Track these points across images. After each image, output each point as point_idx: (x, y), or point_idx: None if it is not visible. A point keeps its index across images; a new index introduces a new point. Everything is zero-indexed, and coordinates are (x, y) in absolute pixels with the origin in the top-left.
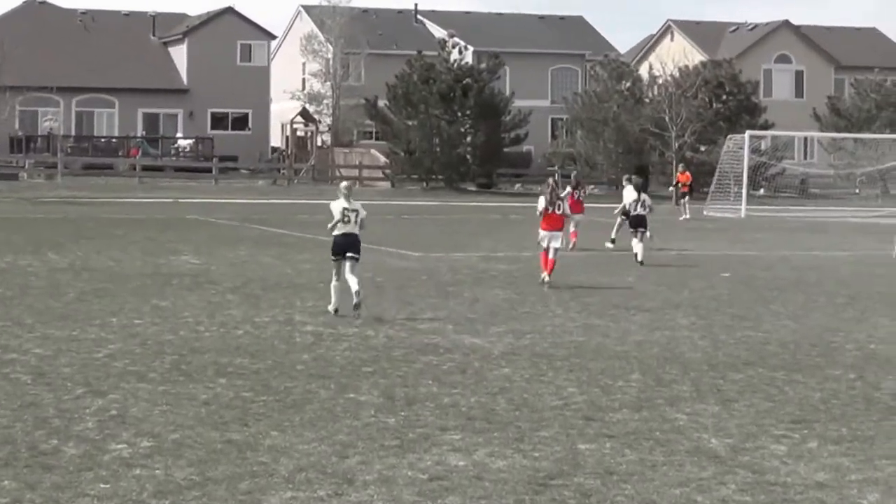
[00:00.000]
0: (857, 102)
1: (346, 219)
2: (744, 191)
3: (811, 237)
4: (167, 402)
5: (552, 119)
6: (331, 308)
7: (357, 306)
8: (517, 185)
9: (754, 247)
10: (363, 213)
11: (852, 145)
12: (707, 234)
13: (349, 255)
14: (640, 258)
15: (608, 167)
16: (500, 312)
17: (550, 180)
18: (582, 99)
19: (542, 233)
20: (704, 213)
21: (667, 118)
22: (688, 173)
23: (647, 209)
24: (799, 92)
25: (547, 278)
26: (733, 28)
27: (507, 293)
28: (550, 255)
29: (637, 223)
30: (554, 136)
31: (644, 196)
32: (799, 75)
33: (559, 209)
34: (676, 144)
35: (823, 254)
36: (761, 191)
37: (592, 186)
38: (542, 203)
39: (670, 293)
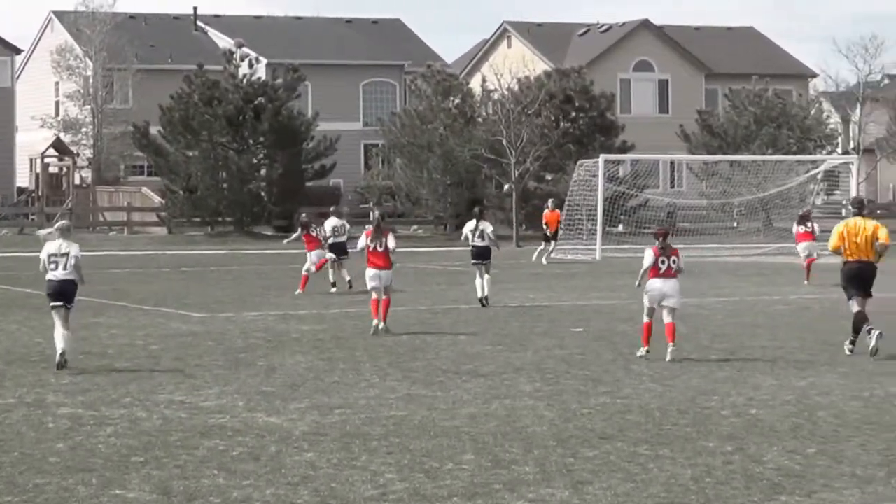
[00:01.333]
0: (733, 117)
1: (52, 265)
2: (599, 227)
3: (681, 281)
4: None
5: (365, 145)
6: (56, 358)
7: (60, 366)
8: (320, 230)
9: (612, 295)
10: (75, 255)
11: (728, 169)
12: (555, 281)
13: (60, 304)
14: (485, 293)
15: (434, 202)
16: (303, 384)
17: (375, 214)
18: (401, 120)
19: (368, 272)
20: (552, 255)
21: (504, 141)
22: (558, 211)
23: (490, 240)
24: (663, 106)
25: (381, 325)
26: (582, 30)
27: (311, 359)
28: (382, 296)
29: (478, 256)
30: (368, 166)
31: (484, 224)
32: (663, 86)
33: (381, 246)
34: (517, 173)
35: (695, 301)
36: (620, 227)
37: (416, 227)
38: (362, 241)
39: (510, 354)
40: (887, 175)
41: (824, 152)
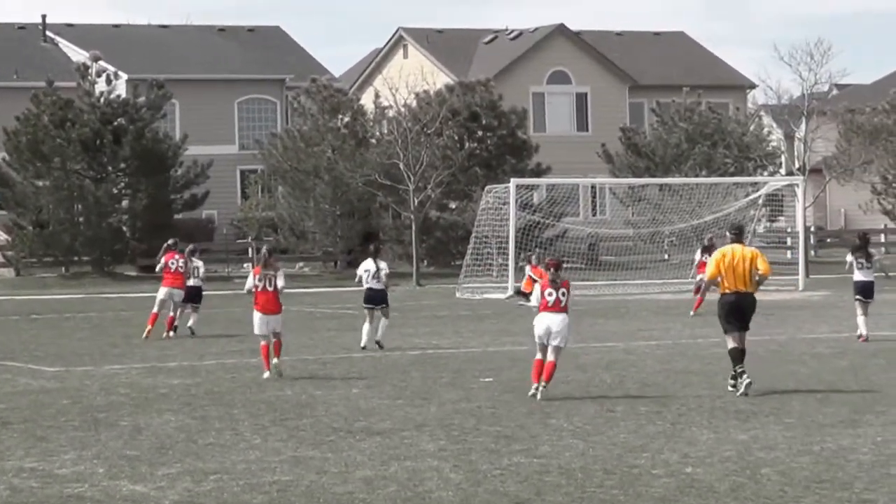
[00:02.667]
0: (662, 135)
1: None
2: (511, 262)
3: (605, 323)
4: None
5: (242, 171)
6: None
7: None
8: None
9: (527, 340)
10: None
11: (657, 194)
12: (462, 324)
13: None
14: (378, 335)
15: (322, 236)
16: (173, 446)
17: (264, 249)
18: (283, 142)
19: (256, 316)
20: (457, 294)
21: (402, 165)
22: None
23: (383, 281)
24: (582, 122)
25: (266, 375)
26: (489, 37)
27: (181, 418)
28: (273, 339)
29: (373, 300)
30: (245, 195)
31: (381, 264)
32: (581, 99)
33: (270, 285)
34: (416, 201)
35: (622, 345)
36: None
37: (301, 264)
38: (250, 280)
39: (411, 408)
40: (837, 198)
41: (766, 173)
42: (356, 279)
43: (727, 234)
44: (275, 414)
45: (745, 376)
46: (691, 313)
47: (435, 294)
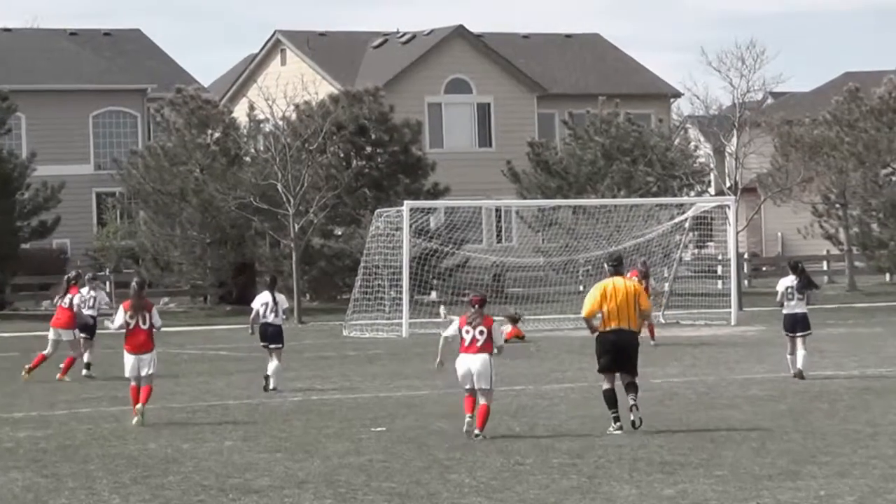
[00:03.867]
0: (575, 150)
1: None
2: (405, 296)
3: (513, 364)
4: None
5: (98, 194)
6: None
7: None
8: (45, 303)
9: (424, 383)
10: None
11: (570, 217)
12: (350, 366)
13: None
14: (272, 384)
15: (190, 267)
16: None
17: (134, 282)
18: (144, 160)
19: (127, 358)
20: (344, 332)
21: (280, 186)
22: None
23: (282, 317)
24: (484, 137)
25: (135, 420)
26: (378, 41)
27: (29, 476)
28: (143, 383)
29: (272, 337)
30: (102, 222)
31: (280, 297)
32: (483, 111)
33: (144, 322)
34: (297, 227)
35: (531, 388)
36: (433, 294)
37: (166, 299)
38: (120, 316)
39: (292, 463)
40: (773, 220)
41: (693, 193)
42: (252, 315)
43: (605, 265)
44: (136, 470)
45: (617, 423)
46: (652, 343)
47: (319, 332)
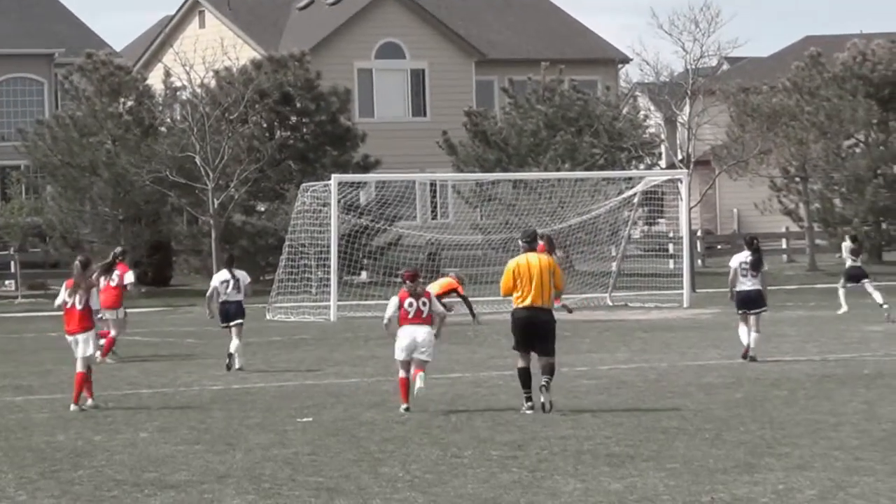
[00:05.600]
0: (516, 120)
1: None
2: (333, 276)
3: (449, 350)
4: None
5: (1, 167)
6: None
7: None
8: None
9: (354, 370)
10: None
11: (510, 192)
12: (273, 352)
13: None
14: (237, 363)
15: (102, 245)
16: None
17: (77, 260)
18: (52, 131)
19: (69, 338)
20: (267, 315)
21: (198, 159)
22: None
23: (245, 292)
24: (418, 106)
25: (86, 403)
26: (305, 2)
27: None
28: (79, 368)
29: (231, 314)
30: (6, 197)
31: (240, 273)
32: (417, 77)
33: (80, 302)
34: (216, 202)
35: (470, 376)
36: (363, 274)
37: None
38: (61, 295)
39: (212, 456)
40: (729, 195)
41: (642, 166)
42: (209, 293)
43: (520, 242)
44: (44, 464)
45: (529, 403)
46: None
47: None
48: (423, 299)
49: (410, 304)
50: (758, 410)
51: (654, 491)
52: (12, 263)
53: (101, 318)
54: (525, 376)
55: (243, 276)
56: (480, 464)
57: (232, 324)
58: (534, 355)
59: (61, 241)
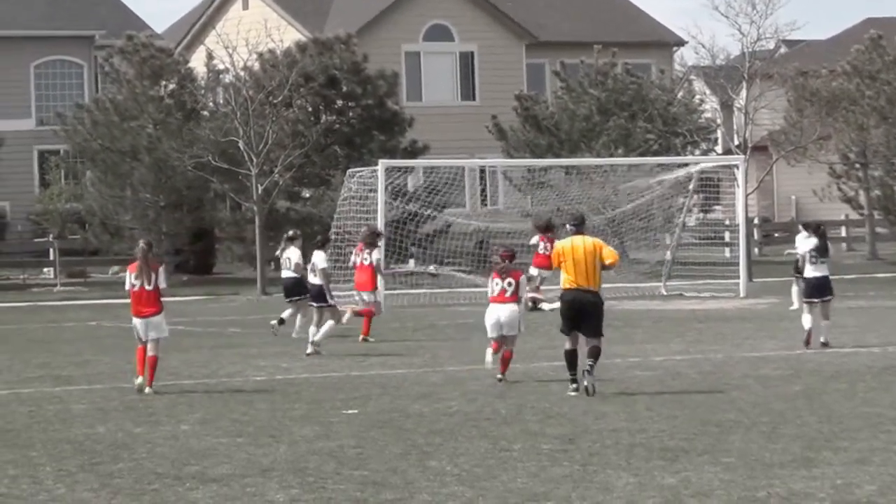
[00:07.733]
0: (568, 104)
1: None
2: (381, 264)
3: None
4: None
5: (40, 152)
6: None
7: None
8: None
9: (402, 361)
10: None
11: (562, 178)
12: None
13: None
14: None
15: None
16: None
17: (141, 242)
18: (92, 115)
19: (134, 322)
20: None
21: (241, 143)
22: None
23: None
24: (468, 90)
25: (146, 388)
26: None
27: None
28: (150, 349)
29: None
30: (45, 182)
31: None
32: (466, 61)
33: (149, 283)
34: (260, 188)
35: (520, 367)
36: (411, 262)
37: (116, 268)
38: (128, 279)
39: (255, 449)
40: (787, 182)
41: (698, 152)
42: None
43: (567, 226)
44: (83, 457)
45: (573, 385)
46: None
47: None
48: (510, 279)
49: (497, 284)
50: (816, 403)
51: (709, 486)
52: (51, 251)
53: None
54: (571, 358)
55: (320, 260)
56: (530, 457)
57: (300, 298)
58: (582, 340)
59: (101, 228)
